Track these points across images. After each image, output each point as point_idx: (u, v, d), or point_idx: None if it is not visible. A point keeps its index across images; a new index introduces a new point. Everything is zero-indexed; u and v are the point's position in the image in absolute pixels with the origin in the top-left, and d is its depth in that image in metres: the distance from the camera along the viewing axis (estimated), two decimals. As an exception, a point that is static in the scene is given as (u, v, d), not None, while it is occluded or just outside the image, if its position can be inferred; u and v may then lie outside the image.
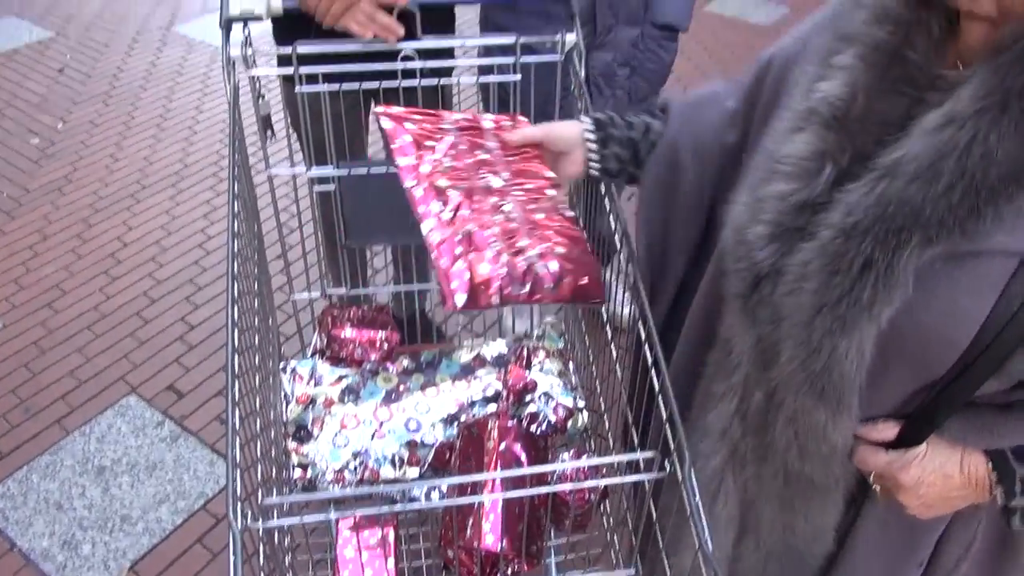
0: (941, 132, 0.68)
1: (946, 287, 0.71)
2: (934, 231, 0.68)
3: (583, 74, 1.42)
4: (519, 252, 1.00)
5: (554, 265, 1.00)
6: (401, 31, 1.37)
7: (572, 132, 1.11)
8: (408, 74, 1.40)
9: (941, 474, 0.82)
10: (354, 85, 1.39)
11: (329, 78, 1.39)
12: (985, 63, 0.67)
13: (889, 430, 0.84)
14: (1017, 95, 0.64)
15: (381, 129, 1.12)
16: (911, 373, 0.78)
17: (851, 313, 0.72)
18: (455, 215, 1.01)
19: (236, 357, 0.95)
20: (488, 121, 1.18)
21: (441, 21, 1.63)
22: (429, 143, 1.10)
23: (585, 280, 1.02)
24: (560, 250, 1.02)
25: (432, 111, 1.16)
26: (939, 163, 0.67)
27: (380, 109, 1.14)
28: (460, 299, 0.95)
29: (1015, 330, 0.69)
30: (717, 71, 4.33)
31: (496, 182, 1.08)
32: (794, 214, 0.77)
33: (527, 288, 0.97)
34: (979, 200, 0.66)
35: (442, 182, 1.04)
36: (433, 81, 1.42)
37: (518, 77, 1.43)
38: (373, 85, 1.40)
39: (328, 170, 1.49)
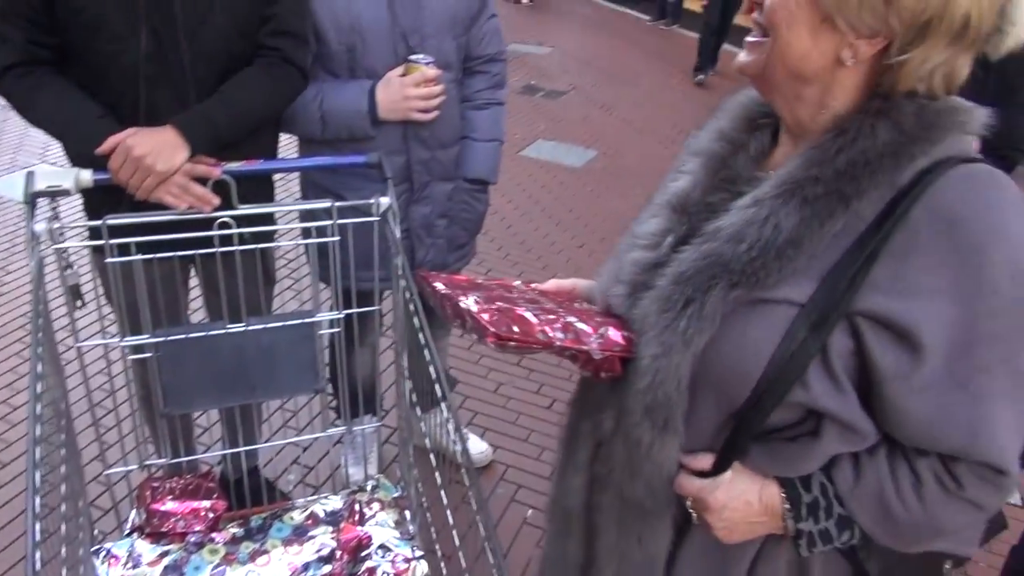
0: (748, 209, 0.90)
1: (742, 325, 0.89)
2: (736, 278, 0.87)
3: (398, 232, 1.51)
4: (558, 315, 0.99)
5: (594, 322, 0.99)
6: (216, 201, 1.41)
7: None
8: (226, 240, 1.42)
9: (743, 500, 0.95)
10: (168, 255, 1.40)
11: (143, 248, 1.39)
12: (783, 166, 0.91)
13: (705, 460, 0.97)
14: (799, 187, 0.87)
15: (431, 288, 1.10)
16: (717, 401, 0.93)
17: (672, 340, 0.90)
18: (491, 301, 1.00)
19: (38, 552, 0.89)
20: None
21: (260, 188, 1.69)
22: (464, 281, 1.12)
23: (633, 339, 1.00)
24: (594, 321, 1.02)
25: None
26: (744, 230, 0.89)
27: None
28: (500, 327, 0.92)
29: (793, 366, 0.86)
30: (536, 210, 4.63)
31: (530, 295, 1.10)
32: (644, 274, 0.98)
33: (570, 335, 0.95)
34: (768, 258, 0.86)
35: (475, 294, 1.04)
36: (252, 246, 1.46)
37: (337, 239, 1.50)
38: (188, 253, 1.42)
39: (143, 338, 1.46)
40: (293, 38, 1.65)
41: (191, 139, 1.45)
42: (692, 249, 0.94)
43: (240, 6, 1.55)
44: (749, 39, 0.94)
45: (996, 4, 0.84)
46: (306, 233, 1.55)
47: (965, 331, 0.81)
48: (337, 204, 1.48)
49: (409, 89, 1.77)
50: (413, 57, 1.78)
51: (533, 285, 1.18)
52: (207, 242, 1.43)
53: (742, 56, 0.94)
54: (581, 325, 0.96)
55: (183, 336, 1.46)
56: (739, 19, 6.48)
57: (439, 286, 1.06)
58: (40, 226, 1.33)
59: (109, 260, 1.39)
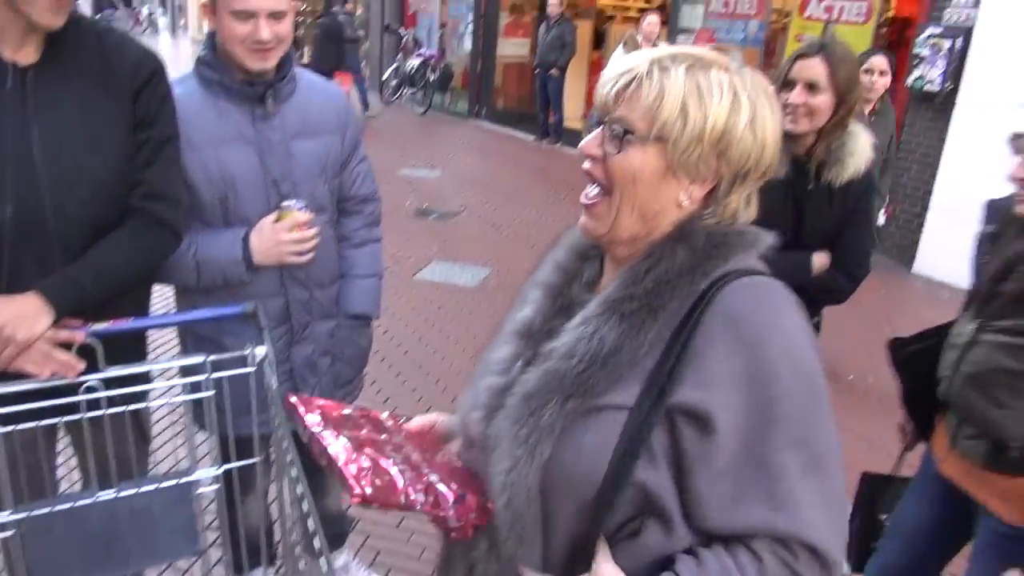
0: (577, 328, 1.02)
1: (580, 432, 0.99)
2: (570, 391, 0.98)
3: (275, 381, 1.50)
4: (421, 474, 1.04)
5: (453, 487, 1.04)
6: (81, 366, 1.38)
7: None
8: (93, 405, 1.38)
9: None
10: (30, 424, 1.35)
11: (1, 419, 1.33)
12: (606, 288, 1.05)
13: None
14: (617, 304, 1.00)
15: (292, 408, 1.15)
16: (571, 504, 1.00)
17: (520, 453, 0.99)
18: (359, 449, 1.04)
19: None
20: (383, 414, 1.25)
21: (131, 344, 1.65)
22: (335, 413, 1.16)
23: (487, 506, 1.04)
24: (454, 483, 1.06)
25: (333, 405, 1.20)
26: (575, 347, 1.00)
27: (293, 399, 1.17)
28: (367, 489, 0.96)
29: (627, 462, 0.96)
30: (433, 332, 4.66)
31: (397, 439, 1.15)
32: (497, 397, 1.07)
33: (430, 498, 1.01)
34: (595, 369, 0.98)
35: (345, 435, 1.08)
36: (121, 408, 1.42)
37: (212, 392, 1.48)
38: (52, 421, 1.37)
39: (4, 516, 1.38)
40: (165, 200, 1.63)
41: (56, 304, 1.42)
42: (534, 369, 1.04)
43: (108, 174, 1.54)
44: (587, 200, 1.06)
45: (778, 150, 1.03)
46: (183, 389, 1.52)
47: (756, 415, 0.93)
48: (211, 358, 1.47)
49: (282, 234, 1.80)
50: (285, 203, 1.82)
51: (401, 422, 1.23)
52: (73, 407, 1.38)
53: (586, 221, 1.07)
54: (442, 487, 1.02)
55: (48, 510, 1.39)
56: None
57: (310, 420, 1.09)
58: None
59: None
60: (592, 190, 1.05)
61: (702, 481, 0.95)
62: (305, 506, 1.26)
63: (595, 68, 12.31)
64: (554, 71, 10.10)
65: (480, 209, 7.38)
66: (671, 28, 8.86)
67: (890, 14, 6.94)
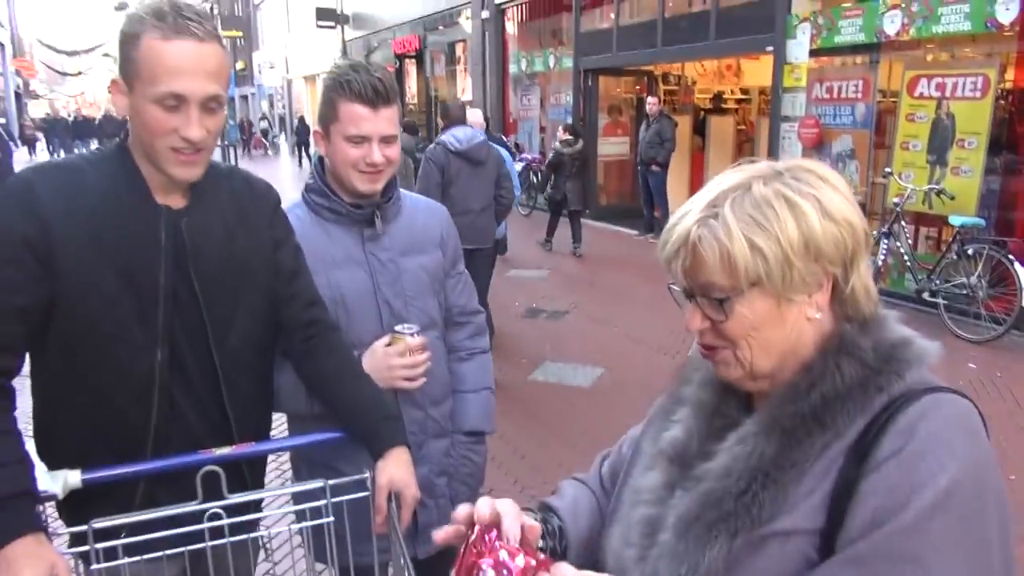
0: (734, 447, 0.96)
1: (746, 568, 0.90)
2: (733, 523, 0.90)
3: (394, 507, 1.45)
4: None
5: None
6: None
7: None
8: (216, 533, 1.37)
9: None
10: (156, 554, 1.34)
11: (130, 550, 1.33)
12: (763, 407, 0.98)
13: None
14: (777, 422, 0.94)
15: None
16: None
17: None
18: None
19: None
20: None
21: (252, 472, 1.65)
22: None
23: None
24: None
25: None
26: (732, 465, 0.94)
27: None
28: None
29: None
30: (548, 434, 4.56)
31: None
32: (651, 530, 1.01)
33: None
34: (756, 487, 0.90)
35: None
36: (243, 536, 1.40)
37: (332, 519, 1.44)
38: (178, 551, 1.36)
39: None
40: (321, 304, 1.70)
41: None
42: (687, 495, 0.98)
43: (261, 301, 1.58)
44: (707, 352, 1.01)
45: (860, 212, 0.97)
46: (300, 515, 1.49)
47: (882, 517, 0.85)
48: (330, 482, 1.44)
49: (394, 359, 1.78)
50: (398, 328, 1.80)
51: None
52: (197, 538, 1.37)
53: (720, 370, 1.01)
54: None
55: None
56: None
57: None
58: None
59: (95, 567, 1.33)
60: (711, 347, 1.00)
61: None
62: None
63: (696, 160, 12.34)
64: (655, 167, 10.15)
65: (589, 307, 7.34)
66: (773, 115, 8.79)
67: (1007, 86, 6.63)
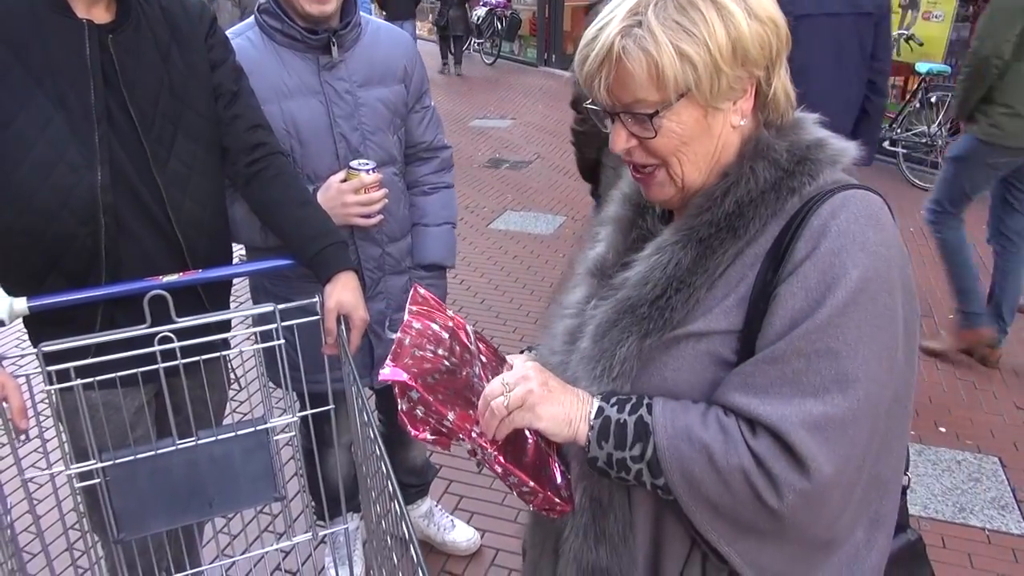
0: (651, 257, 0.98)
1: (659, 368, 0.95)
2: (645, 324, 0.94)
3: (344, 334, 1.48)
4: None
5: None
6: None
7: None
8: (168, 355, 1.39)
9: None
10: (108, 375, 1.36)
11: (83, 372, 1.36)
12: (677, 219, 1.00)
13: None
14: (694, 231, 0.95)
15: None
16: None
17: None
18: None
19: None
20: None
21: (217, 294, 1.66)
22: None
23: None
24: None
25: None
26: (649, 275, 0.96)
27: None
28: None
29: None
30: (509, 282, 4.63)
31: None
32: (571, 338, 1.06)
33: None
34: (671, 293, 0.94)
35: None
36: (196, 358, 1.43)
37: (282, 342, 1.47)
38: (128, 372, 1.38)
39: (90, 464, 1.41)
40: (265, 127, 1.65)
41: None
42: (605, 303, 1.00)
43: (201, 121, 1.54)
44: (640, 174, 0.99)
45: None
46: (254, 338, 1.52)
47: (803, 313, 0.87)
48: (281, 307, 1.46)
49: (348, 196, 1.75)
50: (353, 164, 1.76)
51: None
52: (150, 360, 1.39)
53: (652, 192, 1.00)
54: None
55: (132, 457, 1.42)
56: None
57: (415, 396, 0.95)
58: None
59: (47, 388, 1.36)
60: (646, 170, 0.98)
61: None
62: (384, 468, 1.22)
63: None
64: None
65: (553, 158, 7.26)
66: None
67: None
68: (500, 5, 12.50)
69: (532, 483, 0.96)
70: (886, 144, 6.42)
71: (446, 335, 1.08)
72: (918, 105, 6.22)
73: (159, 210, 1.49)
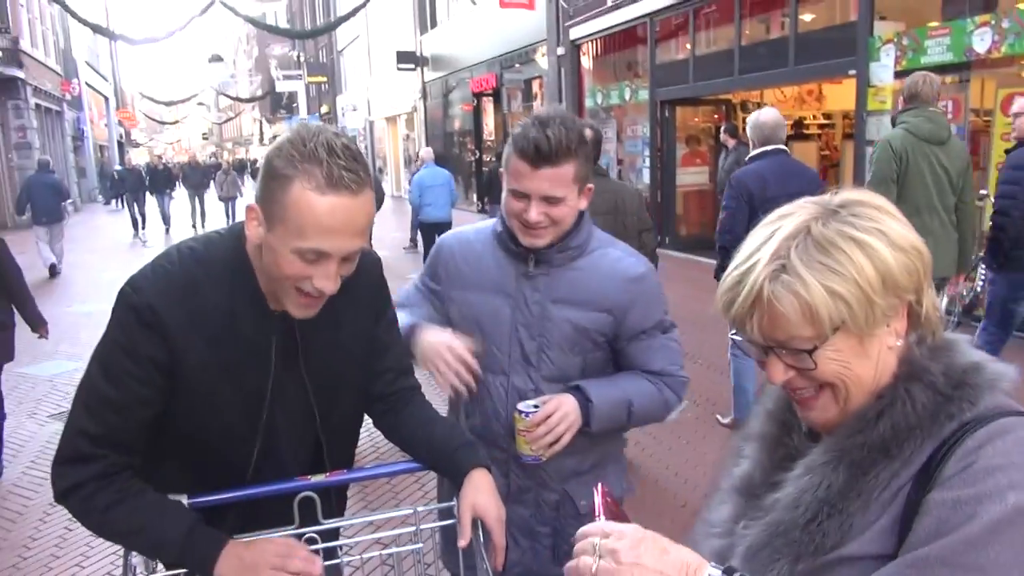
0: (801, 478, 0.97)
1: None
2: (797, 548, 0.93)
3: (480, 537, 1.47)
4: None
5: None
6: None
7: None
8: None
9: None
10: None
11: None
12: (827, 438, 0.99)
13: None
14: (846, 452, 0.94)
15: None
16: None
17: None
18: None
19: None
20: None
21: (336, 500, 1.65)
22: None
23: None
24: None
25: None
26: (800, 497, 0.96)
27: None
28: None
29: None
30: (629, 472, 4.50)
31: None
32: (722, 561, 0.98)
33: None
34: (822, 517, 0.92)
35: None
36: (334, 561, 1.44)
37: (420, 546, 1.47)
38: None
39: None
40: (409, 374, 1.70)
41: None
42: (756, 524, 1.00)
43: (363, 378, 1.61)
44: (804, 397, 0.99)
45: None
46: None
47: (935, 537, 0.84)
48: (420, 509, 1.48)
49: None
50: (520, 405, 1.77)
51: None
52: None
53: (811, 415, 1.01)
54: None
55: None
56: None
57: None
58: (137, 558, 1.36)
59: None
60: (805, 392, 0.99)
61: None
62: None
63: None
64: (736, 195, 10.00)
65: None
66: (858, 139, 8.58)
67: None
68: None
69: None
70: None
71: None
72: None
73: (314, 455, 1.55)
